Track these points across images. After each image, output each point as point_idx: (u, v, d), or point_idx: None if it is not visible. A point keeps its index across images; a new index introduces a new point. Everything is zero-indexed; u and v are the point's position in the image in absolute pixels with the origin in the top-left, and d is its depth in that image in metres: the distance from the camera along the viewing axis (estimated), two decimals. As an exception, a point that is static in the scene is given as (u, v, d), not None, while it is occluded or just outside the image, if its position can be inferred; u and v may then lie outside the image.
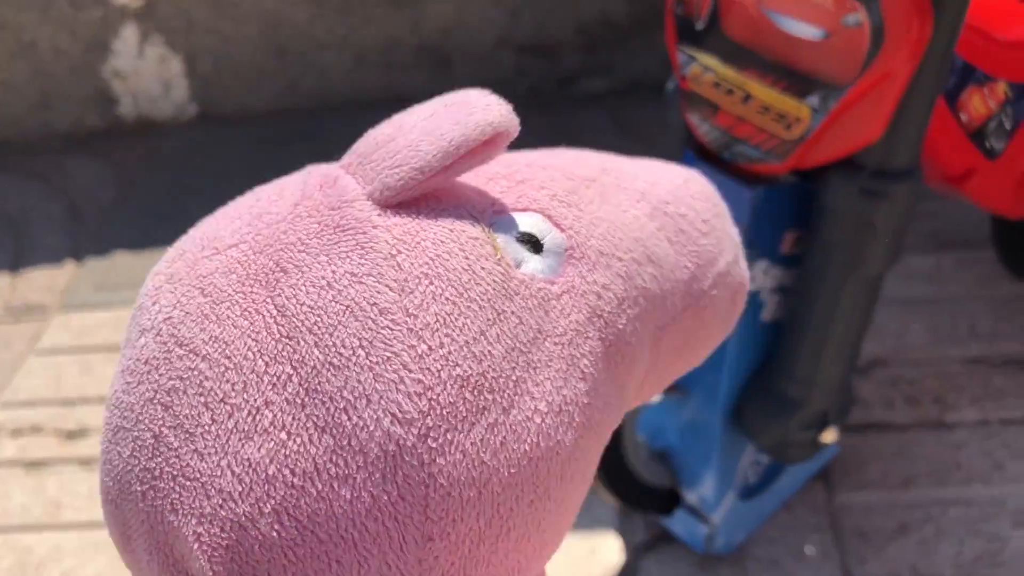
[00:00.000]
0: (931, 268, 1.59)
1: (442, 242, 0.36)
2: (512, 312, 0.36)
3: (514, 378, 0.35)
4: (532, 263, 0.38)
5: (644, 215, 0.43)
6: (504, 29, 2.17)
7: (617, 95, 2.19)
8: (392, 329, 0.33)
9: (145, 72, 2.25)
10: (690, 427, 1.19)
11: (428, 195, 0.38)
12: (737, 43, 0.99)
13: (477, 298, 0.35)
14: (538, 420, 0.35)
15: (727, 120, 1.02)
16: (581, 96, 2.21)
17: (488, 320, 0.35)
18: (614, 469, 1.18)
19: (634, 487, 1.20)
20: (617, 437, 1.15)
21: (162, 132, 2.29)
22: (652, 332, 0.42)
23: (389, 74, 2.24)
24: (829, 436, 1.11)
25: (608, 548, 1.28)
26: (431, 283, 0.35)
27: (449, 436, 0.33)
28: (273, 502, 0.33)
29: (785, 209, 1.05)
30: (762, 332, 1.11)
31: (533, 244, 0.39)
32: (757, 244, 1.05)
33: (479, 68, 2.21)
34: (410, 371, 0.33)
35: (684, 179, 0.47)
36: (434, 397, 0.33)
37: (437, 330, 0.34)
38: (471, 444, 0.33)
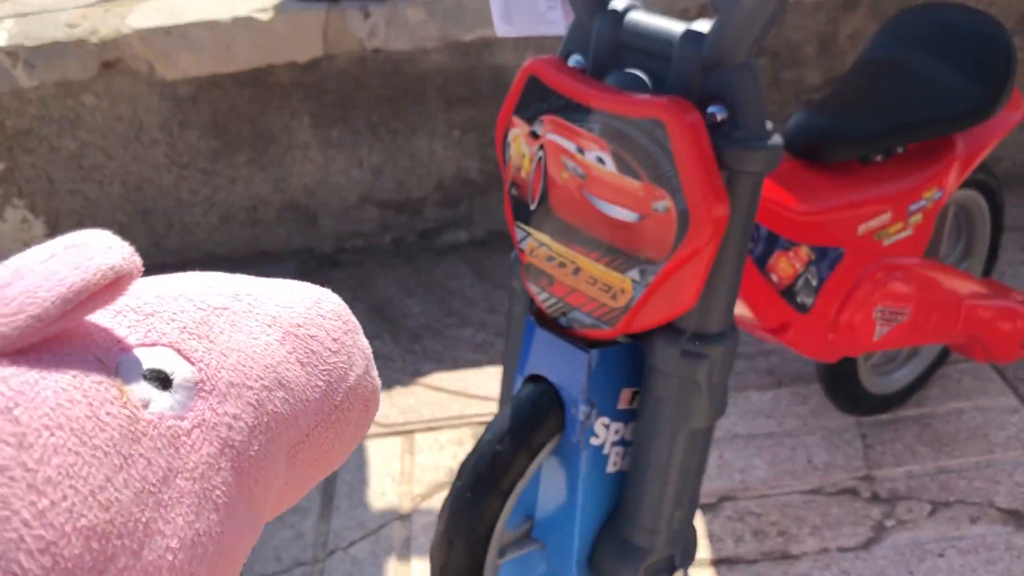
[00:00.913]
0: (770, 404, 1.71)
1: (64, 390, 0.36)
2: (140, 455, 0.36)
3: (144, 520, 0.35)
4: (160, 401, 0.38)
5: (275, 340, 0.44)
6: (367, 187, 2.26)
7: (476, 245, 2.30)
8: (10, 487, 0.33)
9: (6, 234, 2.24)
10: (548, 577, 1.24)
11: (50, 338, 0.38)
12: (566, 222, 1.09)
13: (102, 445, 0.35)
14: (170, 557, 0.36)
15: (562, 290, 1.11)
16: (442, 247, 2.31)
17: (115, 467, 0.35)
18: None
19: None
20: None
21: (22, 293, 2.27)
22: (286, 451, 0.43)
23: (254, 231, 2.29)
24: (676, 579, 1.17)
25: None
26: (52, 434, 0.34)
27: None
28: None
29: (620, 369, 1.14)
30: (609, 483, 1.18)
31: (162, 381, 0.39)
32: (596, 401, 1.13)
33: (344, 223, 2.29)
34: (31, 528, 0.33)
35: (315, 300, 0.48)
36: (57, 552, 0.33)
37: (60, 483, 0.34)
38: None
